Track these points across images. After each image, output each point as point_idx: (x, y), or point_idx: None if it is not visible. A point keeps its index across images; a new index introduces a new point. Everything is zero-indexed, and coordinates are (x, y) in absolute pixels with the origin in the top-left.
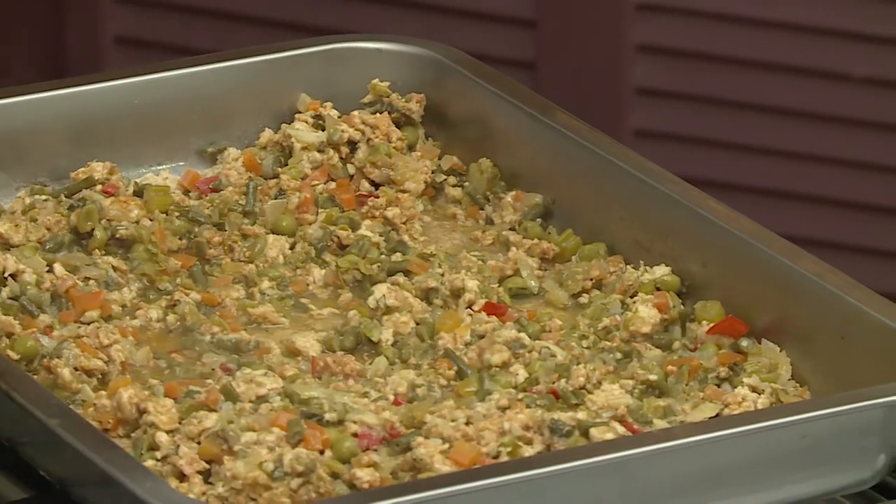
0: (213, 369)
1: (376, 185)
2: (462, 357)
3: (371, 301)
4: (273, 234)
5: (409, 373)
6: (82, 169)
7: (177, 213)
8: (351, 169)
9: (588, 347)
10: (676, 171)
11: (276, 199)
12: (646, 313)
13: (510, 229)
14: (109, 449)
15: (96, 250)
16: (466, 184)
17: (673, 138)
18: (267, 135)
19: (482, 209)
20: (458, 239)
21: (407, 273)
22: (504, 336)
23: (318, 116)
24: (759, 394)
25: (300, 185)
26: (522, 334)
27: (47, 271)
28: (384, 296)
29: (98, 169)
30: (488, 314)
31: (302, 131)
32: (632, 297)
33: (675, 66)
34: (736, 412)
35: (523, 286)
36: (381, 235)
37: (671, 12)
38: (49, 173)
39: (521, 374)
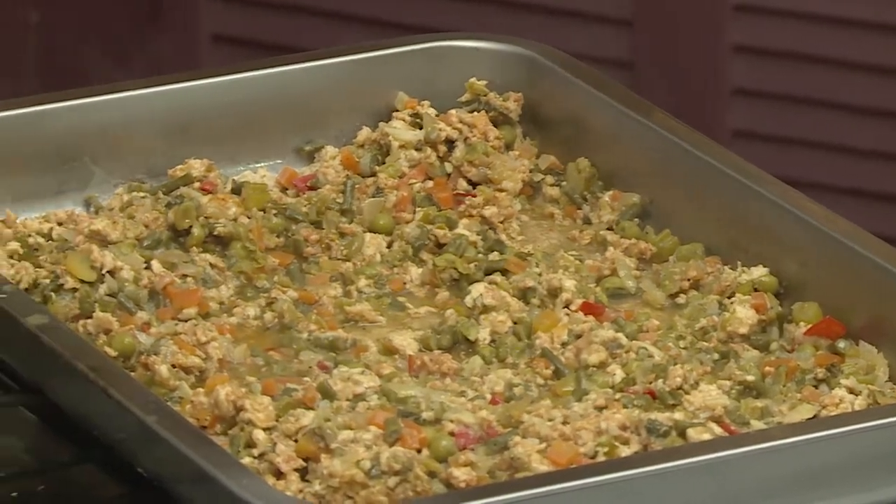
0: (310, 367)
1: (474, 184)
2: (559, 356)
3: (468, 300)
4: (370, 232)
5: (506, 372)
6: (180, 166)
7: (274, 211)
8: (448, 167)
9: (685, 348)
10: (774, 172)
11: (373, 197)
12: (743, 314)
13: (608, 229)
14: (206, 446)
15: (194, 247)
16: (564, 183)
17: (770, 139)
18: (364, 133)
19: (580, 209)
20: (555, 238)
21: (504, 272)
22: (601, 336)
23: (415, 115)
24: (857, 395)
25: (397, 184)
26: (620, 334)
27: (145, 268)
28: (481, 295)
29: (196, 166)
30: (585, 314)
31: (399, 130)
32: (729, 297)
33: (773, 66)
34: (833, 413)
35: (621, 286)
36: (478, 234)
37: (769, 13)
38: (147, 170)
39: (619, 374)
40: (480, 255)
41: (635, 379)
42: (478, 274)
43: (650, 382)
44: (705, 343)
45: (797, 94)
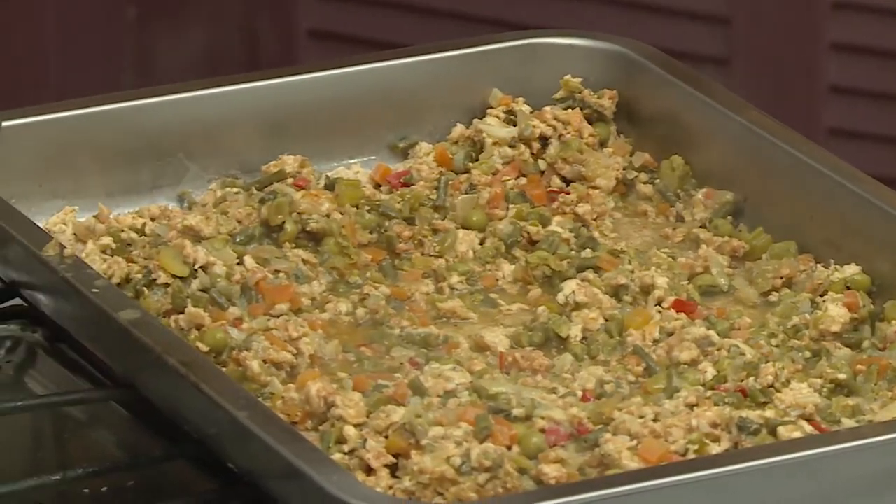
0: (401, 363)
1: (567, 181)
2: (650, 354)
3: (560, 297)
4: (463, 228)
5: (597, 369)
6: (274, 162)
7: (367, 207)
8: (542, 164)
9: (777, 346)
10: (870, 170)
11: (466, 194)
12: (835, 312)
13: (701, 227)
14: (297, 442)
15: (286, 243)
16: (657, 181)
17: (867, 137)
18: (458, 130)
19: (673, 206)
20: (648, 236)
21: (597, 269)
22: (693, 333)
23: (509, 112)
24: None
25: (491, 181)
26: (711, 332)
27: (237, 264)
28: (573, 292)
29: (289, 162)
30: (677, 311)
31: (493, 126)
32: (822, 295)
33: (870, 64)
34: None
35: (713, 283)
36: (571, 231)
37: (867, 10)
38: (240, 166)
39: (710, 371)
40: (573, 253)
41: (726, 376)
42: (570, 271)
43: (741, 380)
44: (797, 341)
45: (894, 92)
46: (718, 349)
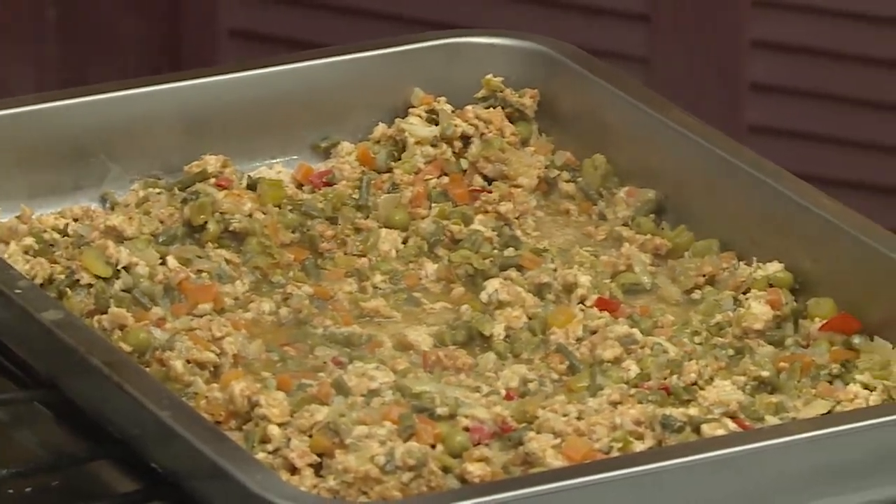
0: (324, 363)
1: (489, 180)
2: (574, 352)
3: (483, 296)
4: (386, 228)
5: (520, 367)
6: (196, 162)
7: (289, 207)
8: (464, 163)
9: (700, 343)
10: (791, 168)
11: (389, 193)
12: (758, 310)
13: (623, 225)
14: (221, 441)
15: (209, 243)
16: (580, 179)
17: (788, 134)
18: (380, 129)
19: (595, 205)
20: (570, 234)
21: (519, 268)
22: (616, 331)
23: (431, 111)
24: (872, 391)
25: (413, 180)
26: (635, 330)
27: (160, 264)
28: (496, 290)
29: (212, 162)
30: (600, 309)
31: (415, 126)
32: (744, 293)
33: (791, 61)
34: (848, 409)
35: (636, 282)
36: (493, 230)
37: (787, 8)
38: (162, 166)
39: (633, 369)
40: (496, 251)
41: (650, 374)
42: (493, 270)
43: (665, 378)
44: (720, 339)
45: (814, 89)
46: (642, 347)
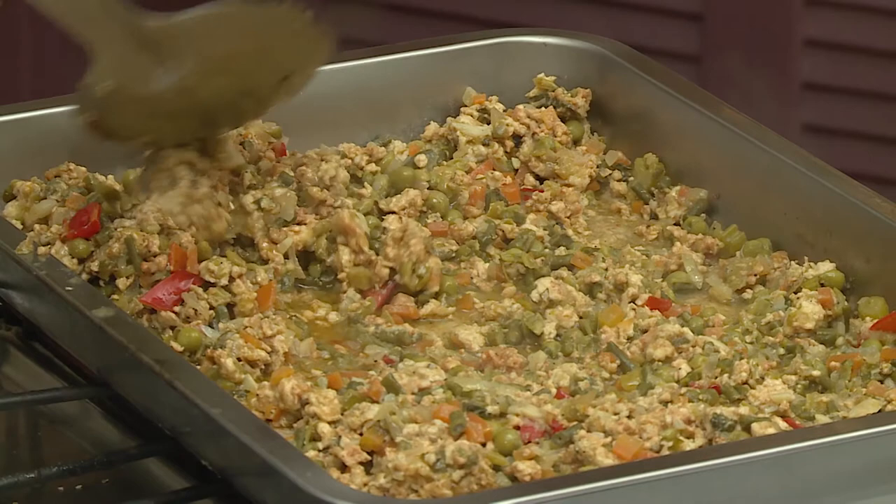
0: (375, 361)
1: (541, 179)
2: (625, 351)
3: (534, 295)
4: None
5: (571, 366)
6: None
7: None
8: (516, 163)
9: (751, 343)
10: (843, 167)
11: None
12: (809, 309)
13: (674, 224)
14: (271, 439)
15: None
16: (631, 178)
17: (840, 134)
18: (432, 128)
19: (647, 204)
20: (622, 233)
21: (570, 267)
22: (667, 330)
23: (483, 110)
24: None
25: (469, 179)
26: (685, 329)
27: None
28: (547, 289)
29: None
30: (651, 309)
31: (467, 125)
32: (796, 292)
33: (844, 60)
34: None
35: (687, 281)
36: (545, 229)
37: (840, 7)
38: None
39: (684, 368)
40: (547, 251)
41: (701, 373)
42: (544, 269)
43: (716, 377)
44: (771, 338)
45: (867, 88)
46: (693, 346)
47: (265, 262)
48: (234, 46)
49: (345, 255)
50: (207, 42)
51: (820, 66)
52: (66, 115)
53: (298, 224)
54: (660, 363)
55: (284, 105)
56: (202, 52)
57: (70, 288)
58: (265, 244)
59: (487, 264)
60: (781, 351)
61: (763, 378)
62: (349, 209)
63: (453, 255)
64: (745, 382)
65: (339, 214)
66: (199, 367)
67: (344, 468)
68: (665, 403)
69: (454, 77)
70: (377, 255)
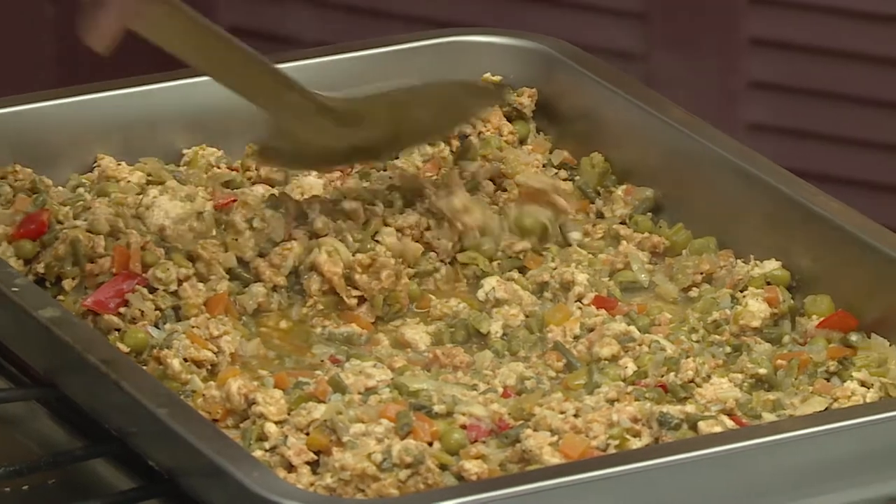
0: (322, 361)
1: (492, 180)
2: (571, 350)
3: (480, 294)
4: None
5: (518, 365)
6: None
7: None
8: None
9: (697, 341)
10: (789, 166)
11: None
12: (756, 307)
13: (621, 223)
14: (218, 439)
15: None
16: (577, 178)
17: (785, 132)
18: None
19: (593, 203)
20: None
21: (522, 269)
22: (613, 329)
23: None
24: (869, 388)
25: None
26: (632, 328)
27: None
28: (493, 288)
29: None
30: (598, 307)
31: None
32: (742, 291)
33: (789, 59)
34: (845, 406)
35: (633, 280)
36: None
37: (785, 5)
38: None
39: (630, 367)
40: (500, 252)
41: (647, 372)
42: (498, 271)
43: (662, 375)
44: (717, 336)
45: (812, 87)
46: (639, 345)
47: (257, 280)
48: (419, 115)
49: (314, 285)
50: (395, 113)
51: (765, 64)
52: (9, 116)
53: (289, 241)
54: (606, 362)
55: (227, 105)
56: (390, 121)
57: (16, 288)
58: (258, 263)
59: (444, 267)
60: (728, 349)
61: (709, 376)
62: (328, 248)
63: None
64: (692, 381)
65: (317, 256)
66: (145, 367)
67: (291, 468)
68: (611, 402)
69: (400, 77)
70: (347, 285)
